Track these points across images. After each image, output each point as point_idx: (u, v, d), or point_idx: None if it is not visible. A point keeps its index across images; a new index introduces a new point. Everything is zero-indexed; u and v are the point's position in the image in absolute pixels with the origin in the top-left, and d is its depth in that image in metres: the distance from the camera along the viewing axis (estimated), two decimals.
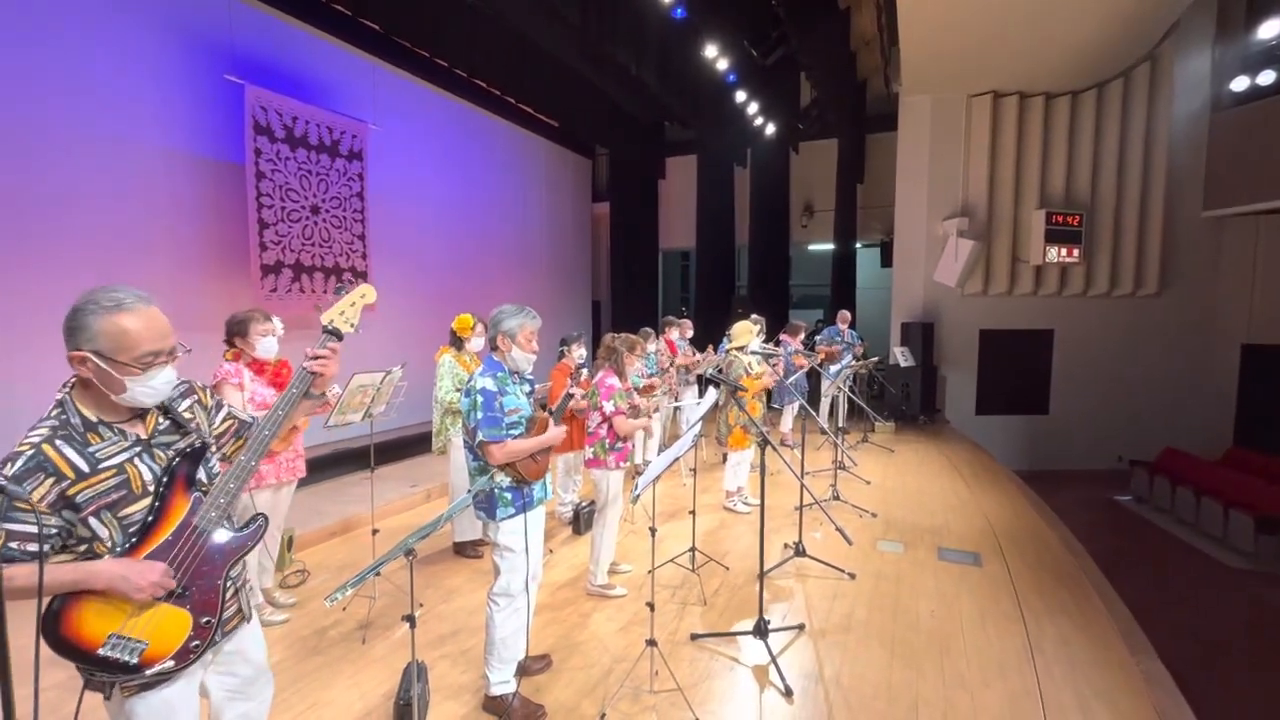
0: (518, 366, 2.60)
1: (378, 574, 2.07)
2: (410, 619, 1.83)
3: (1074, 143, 9.12)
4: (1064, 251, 8.97)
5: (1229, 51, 8.63)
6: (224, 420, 1.65)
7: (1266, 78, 8.06)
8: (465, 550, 4.34)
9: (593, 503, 4.00)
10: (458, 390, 4.01)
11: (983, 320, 9.69)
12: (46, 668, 1.16)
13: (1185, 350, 9.52)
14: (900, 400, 9.12)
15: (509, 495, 2.54)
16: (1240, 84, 8.41)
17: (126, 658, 1.33)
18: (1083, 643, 3.27)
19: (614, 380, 3.73)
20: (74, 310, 1.33)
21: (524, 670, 2.74)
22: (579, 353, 4.71)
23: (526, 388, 2.66)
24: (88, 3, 4.76)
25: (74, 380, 1.40)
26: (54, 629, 1.30)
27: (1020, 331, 9.67)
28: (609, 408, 3.65)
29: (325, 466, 5.97)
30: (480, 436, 2.45)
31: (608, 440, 3.68)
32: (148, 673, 1.37)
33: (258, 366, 3.17)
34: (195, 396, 1.60)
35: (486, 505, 2.55)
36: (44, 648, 1.25)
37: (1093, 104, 9.02)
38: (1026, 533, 4.92)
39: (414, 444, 6.91)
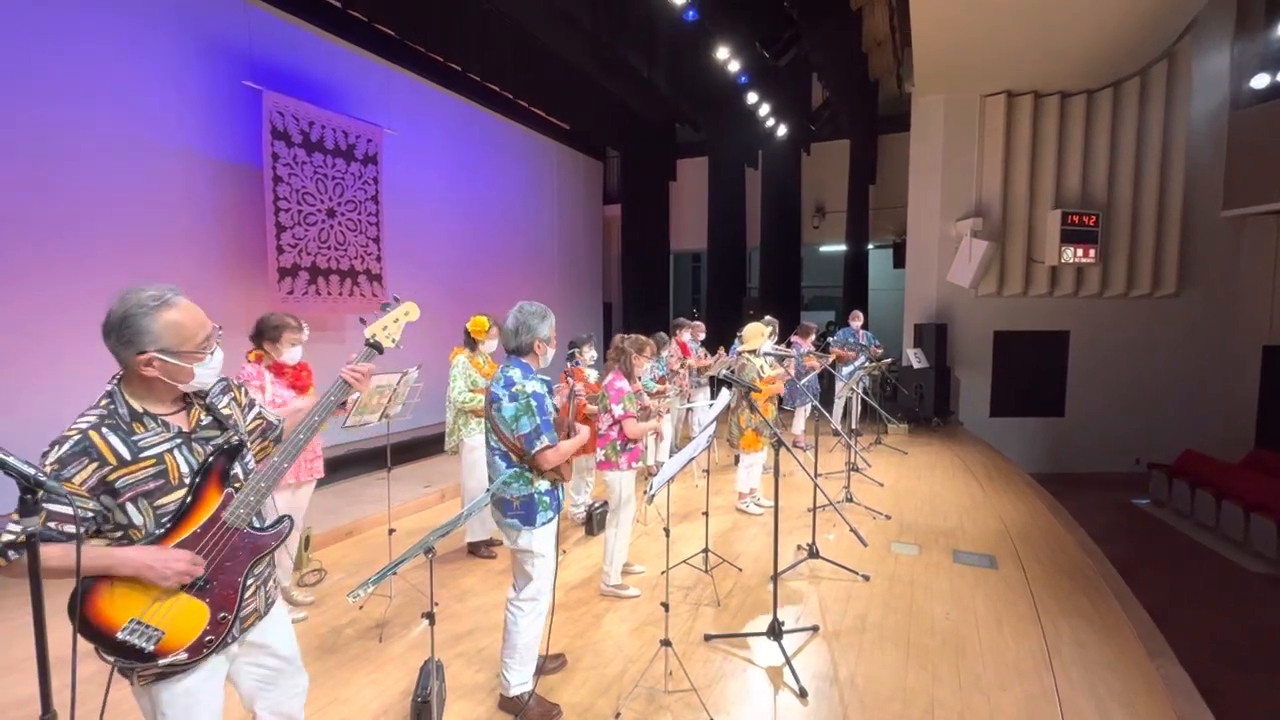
0: (548, 364, 2.62)
1: (395, 573, 2.10)
2: (430, 616, 1.86)
3: (1090, 142, 9.02)
4: (1080, 252, 8.86)
5: (1249, 49, 8.50)
6: (254, 419, 1.71)
7: None
8: (479, 550, 4.37)
9: (605, 504, 4.01)
10: (471, 391, 4.04)
11: (997, 321, 9.60)
12: (81, 659, 1.19)
13: (1204, 351, 9.38)
14: (913, 402, 9.07)
15: (548, 499, 2.54)
16: (1260, 81, 8.28)
17: (143, 644, 1.36)
18: (1100, 646, 3.23)
19: (623, 383, 3.75)
20: (123, 318, 1.37)
21: (539, 669, 2.76)
22: (589, 354, 4.73)
23: (545, 387, 2.68)
24: (110, 11, 4.85)
25: (120, 373, 1.45)
26: (80, 608, 1.34)
27: (1035, 333, 9.57)
28: (618, 410, 3.67)
29: (341, 467, 6.03)
30: (544, 441, 2.40)
31: (619, 442, 3.70)
32: (161, 662, 1.39)
33: (278, 369, 3.21)
34: (232, 394, 1.66)
35: (524, 513, 2.49)
36: (81, 637, 1.28)
37: (1109, 103, 8.91)
38: (1042, 535, 4.88)
39: (427, 444, 6.97)
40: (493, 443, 2.53)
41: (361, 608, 3.53)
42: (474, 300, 7.72)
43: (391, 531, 3.89)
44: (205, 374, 1.48)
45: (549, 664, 2.91)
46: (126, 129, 4.96)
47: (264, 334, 3.17)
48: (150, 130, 5.13)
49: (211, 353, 1.49)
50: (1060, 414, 9.77)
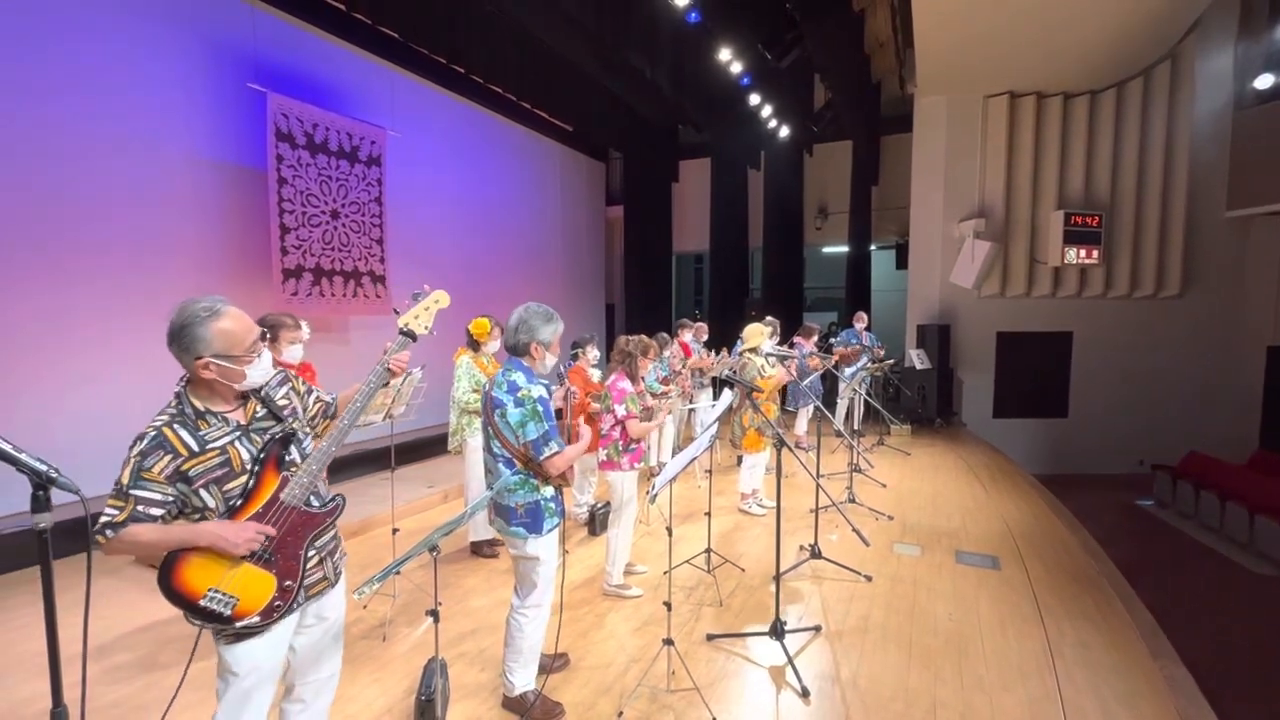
0: (547, 370, 2.60)
1: (398, 572, 2.12)
2: (434, 613, 1.87)
3: (1093, 142, 9.02)
4: (1083, 252, 8.86)
5: (1252, 49, 8.48)
6: (315, 403, 1.91)
7: None
8: (482, 550, 4.38)
9: (608, 504, 4.02)
10: (475, 391, 4.05)
11: (1000, 322, 9.60)
12: (91, 658, 1.20)
13: (1209, 352, 9.36)
14: (916, 403, 9.06)
15: (553, 505, 2.52)
16: (1264, 81, 8.25)
17: (221, 609, 1.56)
18: (1104, 647, 3.23)
19: (626, 384, 3.75)
20: (181, 328, 1.56)
21: (542, 669, 2.77)
22: (593, 354, 4.75)
23: (547, 391, 2.68)
24: (113, 13, 4.88)
25: (186, 376, 1.64)
26: (167, 580, 1.54)
27: (1038, 334, 9.56)
28: (621, 411, 3.68)
29: (345, 467, 6.06)
30: (553, 447, 2.38)
31: (621, 442, 3.71)
32: (237, 625, 1.60)
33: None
34: (290, 384, 1.84)
35: (530, 521, 2.46)
36: (89, 636, 1.30)
37: (1112, 103, 8.91)
38: (1045, 536, 4.87)
39: (431, 445, 6.98)
40: (495, 449, 2.47)
41: (365, 607, 3.55)
42: (477, 301, 7.71)
43: (395, 531, 3.91)
44: (255, 374, 1.65)
45: (553, 664, 2.92)
46: (130, 130, 4.99)
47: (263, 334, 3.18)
48: (154, 132, 5.16)
49: (259, 355, 1.66)
50: (1063, 415, 9.76)
